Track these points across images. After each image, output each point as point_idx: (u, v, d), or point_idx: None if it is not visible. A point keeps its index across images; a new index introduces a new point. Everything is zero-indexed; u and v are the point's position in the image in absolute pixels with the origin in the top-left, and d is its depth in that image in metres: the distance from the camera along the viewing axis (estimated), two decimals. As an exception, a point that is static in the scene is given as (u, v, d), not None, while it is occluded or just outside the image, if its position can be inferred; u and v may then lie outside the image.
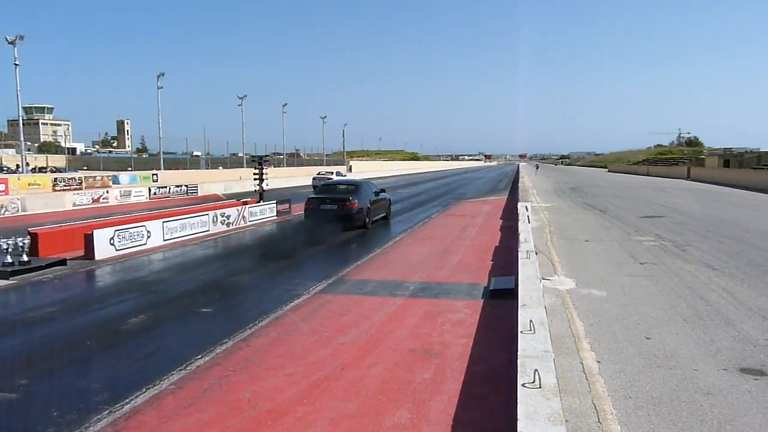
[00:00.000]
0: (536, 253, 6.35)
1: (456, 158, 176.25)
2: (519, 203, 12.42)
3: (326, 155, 51.18)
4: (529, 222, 9.26)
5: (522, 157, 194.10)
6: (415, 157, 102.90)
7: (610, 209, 15.95)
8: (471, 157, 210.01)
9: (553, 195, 23.20)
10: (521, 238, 7.26)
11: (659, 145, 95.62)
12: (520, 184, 22.81)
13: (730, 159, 38.34)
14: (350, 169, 46.90)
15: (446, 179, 41.60)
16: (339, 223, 9.42)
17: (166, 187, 20.23)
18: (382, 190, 11.65)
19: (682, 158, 56.84)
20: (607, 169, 69.15)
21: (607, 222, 12.88)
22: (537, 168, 53.81)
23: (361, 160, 65.05)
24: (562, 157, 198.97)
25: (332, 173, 26.31)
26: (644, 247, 9.26)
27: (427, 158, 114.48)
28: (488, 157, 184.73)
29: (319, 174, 27.43)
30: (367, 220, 9.95)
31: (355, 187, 10.43)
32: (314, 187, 20.40)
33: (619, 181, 36.18)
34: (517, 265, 5.76)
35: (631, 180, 38.88)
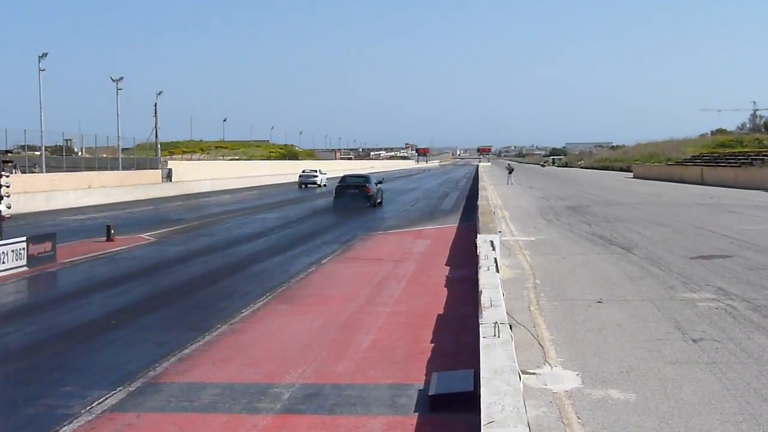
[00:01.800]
0: (511, 327, 6.63)
1: (366, 155, 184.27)
2: (479, 236, 13.24)
3: (125, 149, 49.56)
4: (497, 270, 9.90)
5: (483, 152, 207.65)
6: (290, 153, 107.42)
7: (638, 244, 17.64)
8: (394, 153, 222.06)
9: (538, 219, 25.14)
10: (484, 299, 7.68)
11: (720, 131, 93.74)
12: (481, 201, 24.46)
13: None
14: (170, 176, 47.67)
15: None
16: (360, 202, 29.05)
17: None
18: (380, 182, 32.27)
19: (762, 153, 56.46)
20: (632, 174, 74.66)
21: (634, 267, 14.19)
22: (510, 172, 57.54)
23: (189, 161, 65.40)
24: (554, 152, 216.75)
25: (316, 171, 55.48)
26: (699, 311, 10.25)
27: (311, 155, 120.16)
28: (422, 153, 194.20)
29: (304, 172, 55.62)
30: (378, 200, 30.40)
31: (365, 178, 31.62)
32: (300, 184, 45.43)
33: (653, 194, 39.87)
34: (478, 349, 5.98)
35: (672, 191, 42.66)
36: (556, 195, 39.44)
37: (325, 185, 51.70)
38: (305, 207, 32.48)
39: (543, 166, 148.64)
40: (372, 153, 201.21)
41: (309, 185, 52.08)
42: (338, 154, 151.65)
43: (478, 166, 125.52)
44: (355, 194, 30.69)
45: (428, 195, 42.55)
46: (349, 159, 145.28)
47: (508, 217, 25.80)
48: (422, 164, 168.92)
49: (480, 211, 19.30)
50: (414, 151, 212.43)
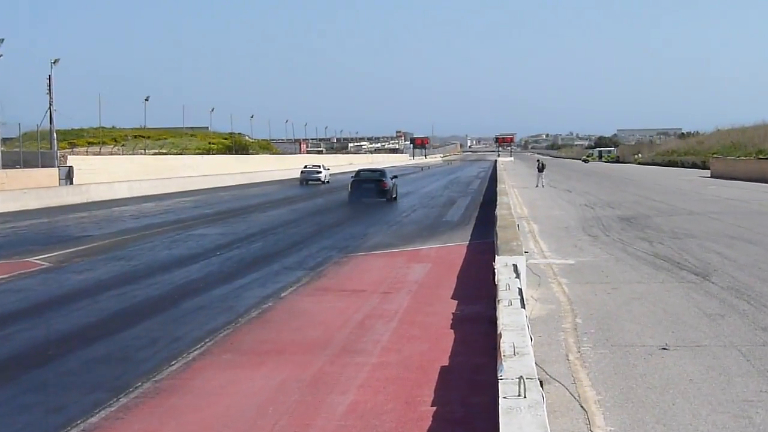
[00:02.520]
0: (542, 384, 6.57)
1: (343, 147, 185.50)
2: (498, 258, 13.24)
3: (6, 139, 49.25)
4: (523, 306, 9.89)
5: (503, 142, 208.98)
6: (237, 145, 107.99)
7: (718, 269, 17.79)
8: (380, 145, 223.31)
9: (579, 235, 25.53)
10: (504, 345, 7.66)
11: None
12: (501, 210, 24.51)
13: None
14: (70, 177, 48.25)
15: (305, 203, 46.59)
16: (376, 196, 40.66)
17: None
18: (395, 176, 43.84)
19: None
20: (708, 172, 75.57)
21: (712, 301, 14.32)
22: (541, 170, 57.44)
23: (98, 155, 65.38)
24: (601, 143, 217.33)
25: (319, 166, 70.73)
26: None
27: (267, 146, 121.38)
28: (420, 145, 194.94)
29: (306, 167, 70.64)
30: (394, 195, 41.57)
31: (381, 172, 44.25)
32: (302, 181, 66.31)
33: (739, 200, 40.12)
34: (496, 415, 5.88)
35: (766, 196, 42.62)
36: (605, 201, 39.67)
37: (328, 182, 67.76)
38: (259, 219, 32.55)
39: (586, 161, 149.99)
40: (351, 144, 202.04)
41: (312, 182, 67.42)
42: (304, 146, 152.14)
43: (496, 161, 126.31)
44: (371, 188, 41.21)
45: (428, 201, 42.81)
46: (319, 152, 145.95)
47: (537, 232, 25.88)
48: (419, 159, 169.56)
49: (499, 223, 19.35)
50: (408, 142, 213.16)
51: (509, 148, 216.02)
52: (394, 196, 42.48)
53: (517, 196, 44.35)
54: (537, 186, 54.94)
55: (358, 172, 44.91)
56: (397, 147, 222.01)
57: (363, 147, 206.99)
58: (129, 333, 12.40)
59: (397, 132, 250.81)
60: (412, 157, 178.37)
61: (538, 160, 62.20)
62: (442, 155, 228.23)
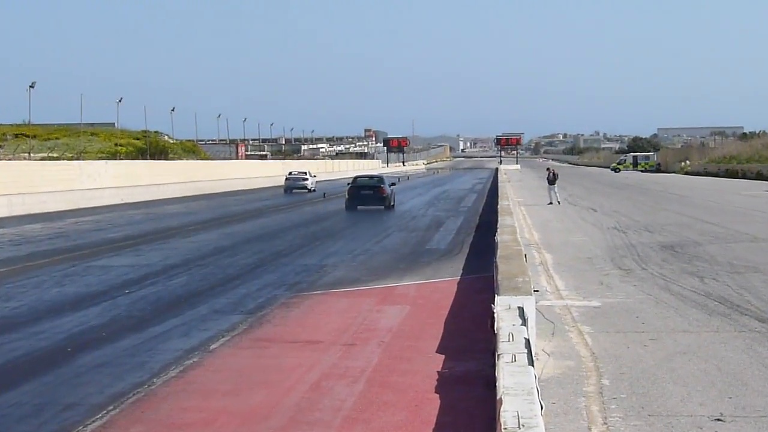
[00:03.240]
0: None
1: (295, 150, 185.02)
2: (499, 299, 13.16)
3: None
4: (531, 362, 9.84)
5: (506, 144, 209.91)
6: (154, 147, 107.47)
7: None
8: (343, 148, 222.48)
9: (607, 267, 25.58)
10: (505, 416, 7.51)
11: None
12: (503, 235, 24.29)
13: None
14: None
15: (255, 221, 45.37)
16: (375, 203, 51.52)
17: None
18: (393, 183, 59.80)
19: None
20: None
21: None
22: (552, 182, 56.96)
23: None
24: (635, 146, 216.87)
25: (306, 173, 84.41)
26: None
27: (192, 149, 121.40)
28: (395, 147, 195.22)
29: (291, 174, 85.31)
30: (392, 202, 53.48)
31: (379, 178, 57.29)
32: (287, 189, 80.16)
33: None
34: None
35: None
36: (641, 223, 39.81)
37: (314, 190, 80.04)
38: (182, 246, 32.56)
39: (616, 170, 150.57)
40: (306, 147, 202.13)
41: (297, 189, 79.82)
42: (242, 149, 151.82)
43: (497, 169, 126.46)
44: (369, 195, 51.59)
45: (406, 223, 42.94)
46: (262, 157, 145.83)
47: (552, 264, 25.93)
48: (395, 167, 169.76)
49: (501, 252, 19.36)
50: (380, 144, 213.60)
51: (515, 152, 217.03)
52: (392, 203, 53.06)
53: (525, 217, 44.44)
54: (550, 203, 55.06)
55: (355, 178, 55.39)
56: (365, 151, 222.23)
57: (321, 150, 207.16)
58: (5, 399, 12.29)
59: (366, 131, 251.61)
60: (385, 164, 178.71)
61: (548, 169, 61.98)
62: (425, 161, 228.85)
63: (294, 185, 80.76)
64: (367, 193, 51.39)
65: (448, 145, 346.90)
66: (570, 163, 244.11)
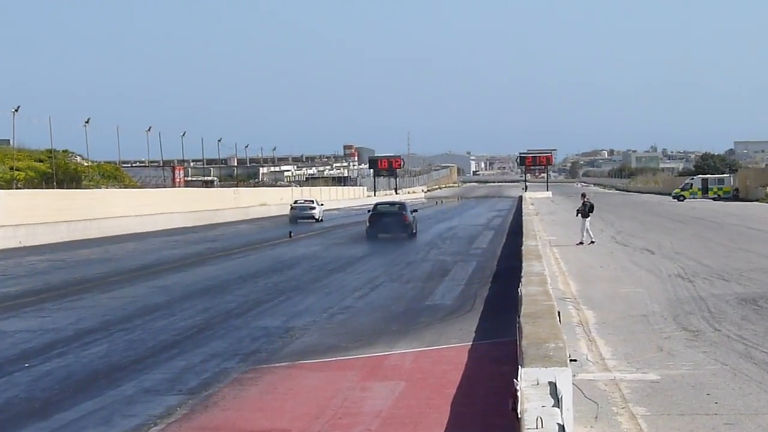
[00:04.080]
0: None
1: (250, 176, 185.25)
2: (523, 372, 13.12)
3: None
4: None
5: (532, 165, 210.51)
6: (63, 171, 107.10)
7: None
8: (316, 172, 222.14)
9: (667, 327, 25.47)
10: None
11: None
12: (529, 286, 24.11)
13: None
14: None
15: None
16: (397, 231, 68.22)
17: None
18: (415, 210, 76.25)
19: None
20: None
21: None
22: (586, 214, 56.57)
23: None
24: (704, 165, 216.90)
25: (313, 201, 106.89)
26: None
27: (114, 174, 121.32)
28: (384, 169, 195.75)
29: (297, 203, 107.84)
30: (415, 230, 70.07)
31: (401, 205, 78.67)
32: (292, 218, 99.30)
33: None
34: None
35: None
36: (712, 268, 39.84)
37: (322, 220, 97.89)
38: (100, 303, 32.60)
39: (680, 197, 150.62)
40: (266, 170, 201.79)
41: (303, 219, 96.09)
42: (180, 173, 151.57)
43: (521, 198, 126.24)
44: (391, 222, 65.56)
45: (400, 271, 43.25)
46: (208, 184, 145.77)
47: (594, 324, 25.93)
48: (385, 195, 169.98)
49: (526, 309, 19.37)
50: (365, 166, 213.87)
51: (544, 174, 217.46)
52: (415, 231, 66.93)
53: (559, 261, 44.42)
54: (586, 242, 54.81)
55: (376, 205, 70.81)
56: (345, 174, 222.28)
57: (286, 174, 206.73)
58: None
59: (345, 148, 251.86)
60: (372, 192, 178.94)
61: (583, 195, 61.64)
62: (425, 188, 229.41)
63: (300, 214, 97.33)
64: (388, 221, 65.58)
65: (456, 166, 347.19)
66: (618, 189, 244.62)
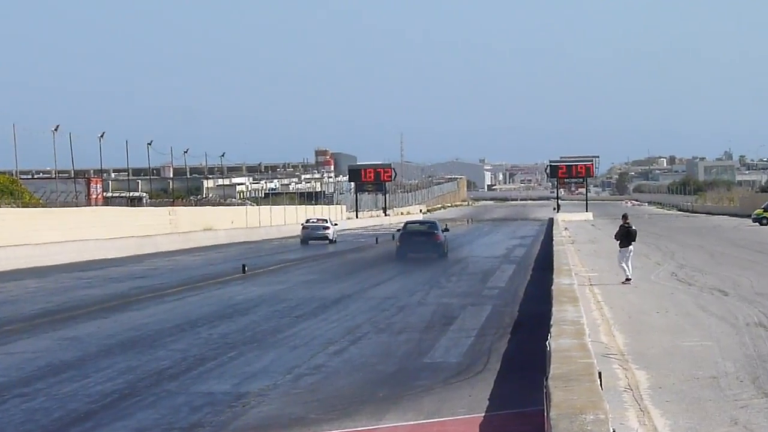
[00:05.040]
0: None
1: (191, 192, 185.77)
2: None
3: None
4: None
5: (567, 176, 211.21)
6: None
7: None
8: (279, 184, 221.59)
9: (742, 394, 25.43)
10: None
11: None
12: (562, 337, 24.13)
13: None
14: None
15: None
16: (429, 251, 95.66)
17: None
18: (446, 229, 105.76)
19: None
20: None
21: None
22: (627, 240, 56.16)
23: None
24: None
25: (326, 220, 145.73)
26: None
27: (13, 188, 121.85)
28: (368, 183, 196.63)
29: (309, 222, 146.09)
30: (446, 250, 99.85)
31: (432, 224, 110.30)
32: (304, 239, 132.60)
33: None
34: None
35: None
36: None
37: (335, 240, 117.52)
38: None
39: (762, 221, 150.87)
40: (211, 184, 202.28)
41: (315, 240, 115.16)
42: (98, 187, 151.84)
43: (552, 220, 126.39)
44: (422, 242, 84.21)
45: (390, 318, 43.60)
46: (133, 201, 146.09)
47: (646, 389, 26.05)
48: (373, 216, 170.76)
49: (558, 368, 19.50)
50: (343, 178, 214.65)
51: (583, 189, 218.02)
52: (446, 251, 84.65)
53: (602, 305, 44.53)
54: (629, 279, 54.53)
55: (406, 224, 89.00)
56: (318, 189, 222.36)
57: (239, 188, 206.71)
58: None
59: (318, 153, 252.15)
60: (353, 212, 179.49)
61: (624, 216, 60.84)
62: (423, 207, 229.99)
63: (312, 235, 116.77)
64: (419, 240, 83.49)
65: (465, 179, 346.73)
66: (681, 210, 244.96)
